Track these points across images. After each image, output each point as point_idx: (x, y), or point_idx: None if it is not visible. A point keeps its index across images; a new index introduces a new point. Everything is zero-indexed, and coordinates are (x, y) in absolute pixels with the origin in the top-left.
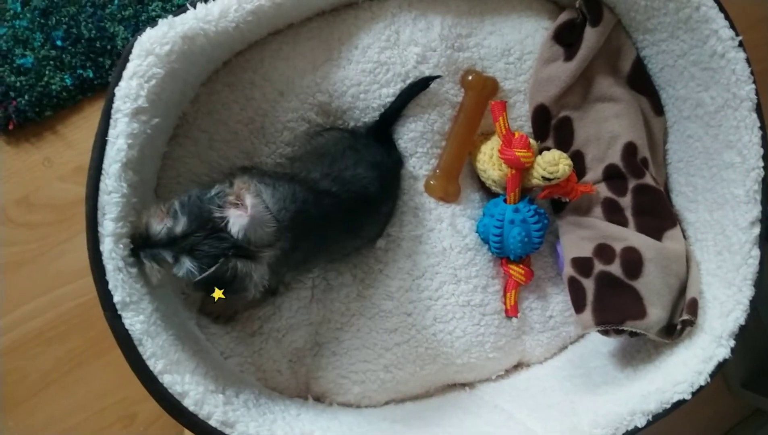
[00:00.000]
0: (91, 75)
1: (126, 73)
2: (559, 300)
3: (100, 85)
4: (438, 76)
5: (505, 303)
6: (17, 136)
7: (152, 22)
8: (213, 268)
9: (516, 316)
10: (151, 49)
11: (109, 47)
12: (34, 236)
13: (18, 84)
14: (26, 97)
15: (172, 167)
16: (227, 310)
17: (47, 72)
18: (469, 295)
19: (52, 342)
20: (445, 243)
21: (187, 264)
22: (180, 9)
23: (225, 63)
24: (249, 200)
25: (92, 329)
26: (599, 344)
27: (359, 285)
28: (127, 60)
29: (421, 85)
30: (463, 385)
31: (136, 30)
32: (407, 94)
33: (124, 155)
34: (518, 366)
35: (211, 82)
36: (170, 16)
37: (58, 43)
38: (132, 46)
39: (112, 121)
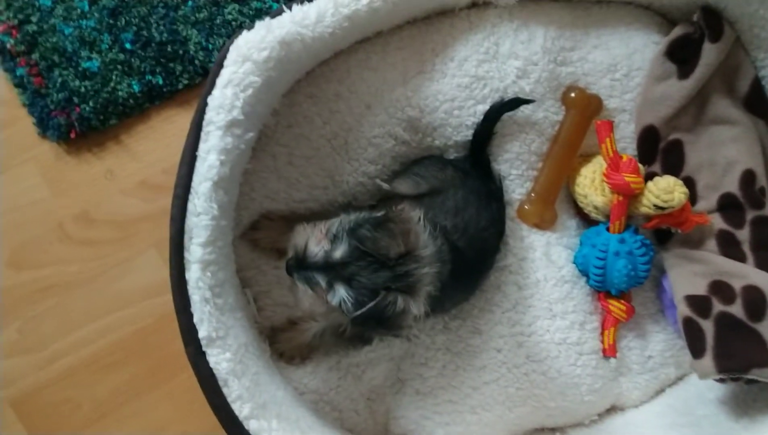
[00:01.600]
0: (160, 81)
1: (220, 81)
2: (660, 339)
3: (169, 93)
4: (530, 100)
5: (603, 342)
6: (78, 145)
7: (227, 26)
8: (374, 302)
9: (615, 356)
10: (249, 54)
11: (180, 52)
12: (93, 255)
13: (83, 89)
14: (90, 103)
15: (246, 183)
16: (303, 351)
17: (114, 77)
18: (566, 332)
19: (108, 370)
20: (539, 274)
21: (341, 292)
22: (260, 16)
23: (307, 73)
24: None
25: (151, 357)
26: (703, 389)
27: (445, 316)
28: (221, 66)
29: (509, 105)
30: (552, 430)
31: (211, 34)
32: (494, 114)
33: (215, 173)
34: (611, 410)
35: (292, 93)
36: (267, 19)
37: (127, 45)
38: (227, 51)
39: (203, 135)
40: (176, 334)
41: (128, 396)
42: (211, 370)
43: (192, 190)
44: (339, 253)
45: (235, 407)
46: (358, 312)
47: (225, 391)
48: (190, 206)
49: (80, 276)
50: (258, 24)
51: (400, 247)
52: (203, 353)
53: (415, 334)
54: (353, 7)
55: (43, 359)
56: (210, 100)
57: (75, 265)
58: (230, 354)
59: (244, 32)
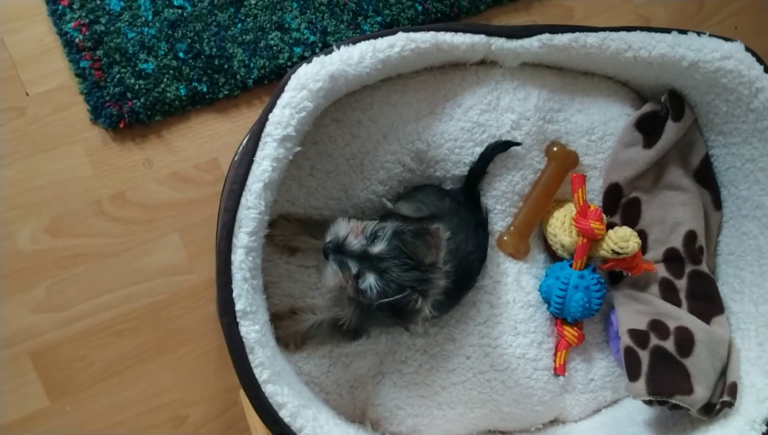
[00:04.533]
0: (204, 89)
1: (280, 102)
2: (603, 365)
3: (210, 100)
4: (518, 143)
5: (555, 361)
6: (124, 134)
7: (269, 49)
8: (402, 295)
9: (563, 375)
10: (306, 84)
11: (225, 66)
12: (123, 231)
13: (137, 87)
14: (142, 99)
15: None
16: (298, 339)
17: (165, 80)
18: (526, 349)
19: (120, 335)
20: (509, 296)
21: (371, 280)
22: (297, 44)
23: (335, 101)
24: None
25: (161, 329)
26: (634, 412)
27: (426, 323)
28: (282, 90)
29: (502, 147)
30: (503, 433)
31: (253, 54)
32: (489, 155)
33: (267, 176)
34: (555, 421)
35: (321, 116)
36: (322, 55)
37: (180, 54)
38: (289, 78)
39: (261, 144)
40: (185, 310)
41: (135, 361)
42: (241, 338)
43: (246, 188)
44: (377, 248)
45: (257, 372)
46: (385, 299)
47: (250, 357)
48: (242, 200)
49: (108, 249)
50: (315, 59)
51: (432, 257)
52: (237, 323)
53: (419, 331)
54: (388, 53)
55: (65, 319)
56: (271, 116)
57: (105, 238)
58: (258, 326)
59: (304, 64)
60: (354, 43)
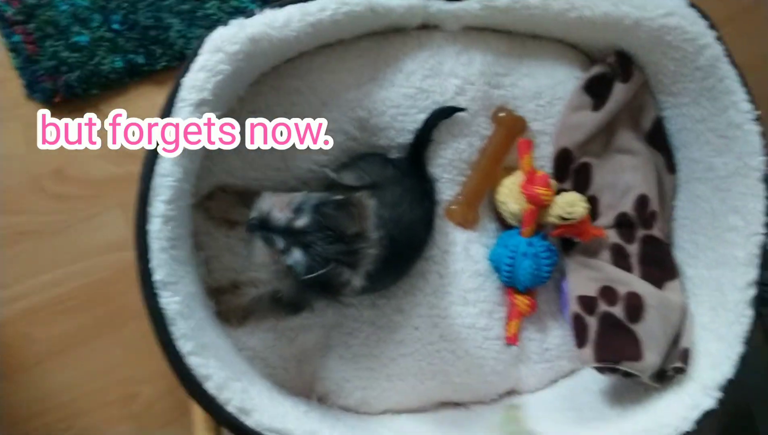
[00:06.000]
0: (141, 61)
1: (195, 66)
2: (558, 334)
3: (148, 72)
4: (463, 109)
5: (507, 330)
6: (61, 109)
7: (207, 19)
8: (325, 269)
9: (516, 345)
10: (222, 46)
11: (162, 37)
12: (64, 208)
13: (71, 60)
14: (77, 73)
15: (209, 157)
16: (239, 313)
17: (100, 52)
18: (475, 318)
19: (66, 313)
20: (457, 266)
21: (297, 256)
22: (237, 13)
23: (273, 68)
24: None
25: (107, 305)
26: (590, 382)
27: (373, 295)
28: (197, 54)
29: (446, 113)
30: (457, 404)
31: (191, 24)
32: (433, 121)
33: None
34: (511, 392)
35: (258, 84)
36: (241, 18)
37: (115, 26)
38: (203, 42)
39: (175, 109)
40: (132, 286)
41: (82, 338)
42: (161, 309)
43: (160, 155)
44: (302, 222)
45: (179, 344)
46: (311, 275)
47: (172, 329)
48: (157, 168)
49: (50, 226)
50: (233, 21)
51: (356, 227)
52: (156, 295)
53: (351, 302)
54: (318, 16)
55: (8, 297)
56: (184, 81)
57: (47, 216)
58: (179, 298)
59: (220, 27)
60: (282, 5)
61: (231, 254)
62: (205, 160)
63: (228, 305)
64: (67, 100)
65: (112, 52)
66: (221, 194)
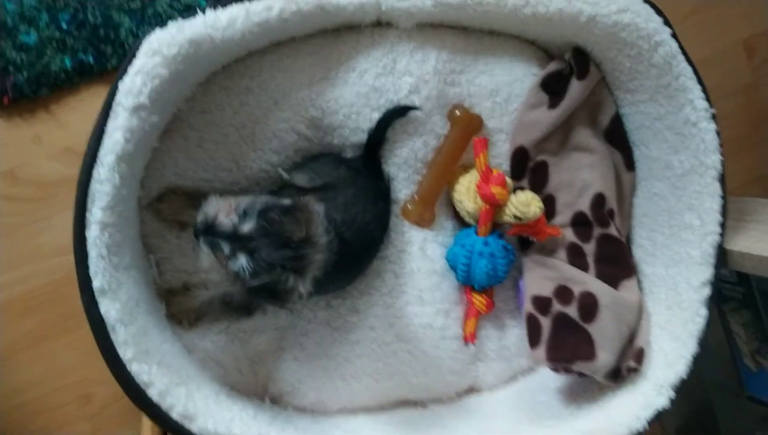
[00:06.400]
0: (91, 60)
1: (132, 69)
2: (516, 332)
3: (99, 72)
4: (417, 108)
5: (464, 329)
6: (10, 110)
7: (158, 17)
8: (270, 276)
9: (473, 343)
10: (159, 49)
11: (112, 36)
12: (15, 210)
13: (18, 60)
14: (25, 73)
15: (158, 159)
16: (191, 315)
17: (48, 52)
18: (431, 318)
19: (20, 315)
20: (413, 265)
21: (242, 261)
22: (189, 11)
23: (224, 66)
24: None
25: (60, 308)
26: (548, 380)
27: (328, 295)
28: (134, 56)
29: (400, 112)
30: (415, 403)
31: (141, 22)
32: (387, 120)
33: (120, 148)
34: (469, 390)
35: (208, 83)
36: (180, 20)
37: (63, 25)
38: (140, 44)
39: (112, 113)
40: None
41: (36, 340)
42: (101, 316)
43: (98, 161)
44: (247, 227)
45: (120, 351)
46: (255, 282)
47: (112, 336)
48: (95, 174)
49: (1, 229)
50: (171, 24)
51: (302, 232)
52: (96, 302)
53: (297, 308)
54: (265, 16)
55: None
56: (121, 84)
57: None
58: (119, 305)
59: (157, 30)
60: (225, 5)
61: (182, 256)
62: (154, 162)
63: (179, 307)
64: (16, 101)
65: (61, 51)
66: (171, 196)
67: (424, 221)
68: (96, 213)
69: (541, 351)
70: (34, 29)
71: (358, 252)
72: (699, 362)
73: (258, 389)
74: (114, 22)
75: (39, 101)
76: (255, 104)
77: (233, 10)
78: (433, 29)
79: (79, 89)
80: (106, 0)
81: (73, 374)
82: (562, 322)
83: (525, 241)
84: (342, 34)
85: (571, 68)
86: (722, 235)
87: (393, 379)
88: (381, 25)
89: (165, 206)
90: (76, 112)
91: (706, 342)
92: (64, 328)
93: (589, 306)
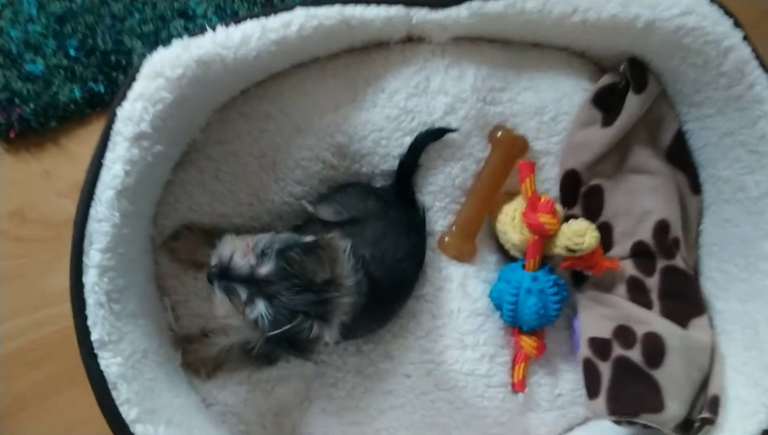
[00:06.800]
0: (102, 89)
1: (131, 94)
2: (570, 378)
3: (110, 101)
4: (453, 130)
5: (512, 376)
6: (17, 145)
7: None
8: (291, 325)
9: (523, 391)
10: (162, 71)
11: (124, 62)
12: (24, 251)
13: (25, 91)
14: (31, 105)
15: (171, 193)
16: (209, 364)
17: (56, 81)
18: (475, 364)
19: (30, 365)
20: (453, 305)
21: (261, 308)
22: (198, 31)
23: (242, 91)
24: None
25: (73, 355)
26: (608, 430)
27: (358, 340)
28: (133, 79)
29: (434, 135)
30: None
31: (155, 47)
32: (419, 145)
33: (119, 182)
34: None
35: (226, 110)
36: (186, 37)
37: (72, 52)
38: (141, 66)
39: (110, 144)
40: None
41: (48, 392)
42: (101, 372)
43: (95, 197)
44: (265, 269)
45: (123, 410)
46: (275, 331)
47: (114, 393)
48: (92, 212)
49: (9, 271)
50: (175, 42)
51: (326, 274)
52: (95, 355)
53: (323, 358)
54: (282, 33)
55: None
56: (119, 111)
57: (5, 260)
58: (122, 359)
59: (160, 49)
60: (238, 22)
61: (199, 299)
62: (166, 197)
63: (196, 355)
64: (23, 135)
65: (70, 80)
66: (187, 233)
67: (464, 255)
68: (94, 256)
69: (601, 402)
70: (40, 57)
71: (390, 292)
72: None
73: None
74: (125, 47)
75: (47, 134)
76: (276, 131)
77: (247, 26)
78: (470, 43)
79: (90, 120)
80: (116, 24)
81: (84, 427)
82: (623, 367)
83: (579, 275)
84: (370, 52)
85: (627, 81)
86: None
87: (432, 431)
88: (412, 41)
89: (180, 245)
90: (87, 144)
91: None
92: (77, 378)
93: (655, 349)
